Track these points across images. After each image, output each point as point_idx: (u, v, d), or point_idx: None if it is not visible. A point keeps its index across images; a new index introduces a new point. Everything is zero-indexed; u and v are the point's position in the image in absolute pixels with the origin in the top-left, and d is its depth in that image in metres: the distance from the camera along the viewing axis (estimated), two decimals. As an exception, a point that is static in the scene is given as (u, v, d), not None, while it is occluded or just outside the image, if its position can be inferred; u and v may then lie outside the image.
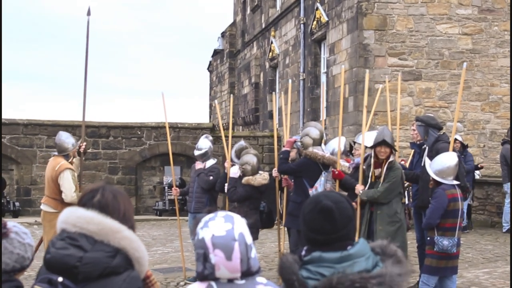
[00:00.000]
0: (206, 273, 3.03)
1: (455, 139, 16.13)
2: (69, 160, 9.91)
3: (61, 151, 9.95)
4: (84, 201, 3.37)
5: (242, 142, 11.79)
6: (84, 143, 10.28)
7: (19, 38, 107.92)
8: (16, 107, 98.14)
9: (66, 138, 10.03)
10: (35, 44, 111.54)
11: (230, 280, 3.03)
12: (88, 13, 10.08)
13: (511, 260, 10.23)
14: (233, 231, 3.02)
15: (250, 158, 10.30)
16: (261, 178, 10.25)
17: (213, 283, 3.03)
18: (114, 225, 3.28)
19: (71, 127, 23.08)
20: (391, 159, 8.35)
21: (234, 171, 10.59)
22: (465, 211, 15.73)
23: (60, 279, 3.13)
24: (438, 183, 7.78)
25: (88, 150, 23.08)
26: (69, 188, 9.54)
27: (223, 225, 3.04)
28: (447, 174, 7.74)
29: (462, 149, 15.85)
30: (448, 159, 7.85)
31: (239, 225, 3.06)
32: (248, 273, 3.04)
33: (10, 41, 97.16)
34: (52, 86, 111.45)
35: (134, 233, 3.37)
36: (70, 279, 3.14)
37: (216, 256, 2.99)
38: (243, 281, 3.04)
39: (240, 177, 10.41)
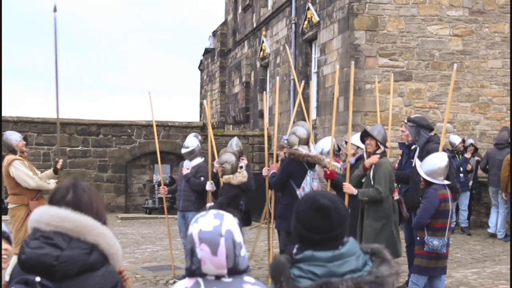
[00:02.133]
0: (193, 268, 3.06)
1: (471, 144, 16.34)
2: (17, 155, 9.99)
3: (8, 148, 10.08)
4: (57, 200, 3.34)
5: (235, 138, 11.78)
6: (61, 160, 10.46)
7: (17, 36, 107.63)
8: (15, 104, 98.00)
9: (9, 135, 10.25)
10: (33, 42, 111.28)
11: (218, 278, 3.05)
12: (55, 10, 10.11)
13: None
14: (221, 227, 3.04)
15: (229, 156, 10.30)
16: (241, 176, 10.26)
17: (200, 280, 3.06)
18: (89, 222, 3.27)
19: (61, 125, 23.09)
20: (378, 152, 8.37)
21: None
22: (466, 210, 15.64)
23: (37, 279, 3.11)
24: (429, 184, 7.79)
25: (78, 148, 23.14)
26: (24, 174, 9.70)
27: (212, 221, 3.07)
28: (438, 174, 7.75)
29: (475, 152, 16.16)
30: (439, 160, 7.87)
31: (228, 222, 3.08)
32: (235, 271, 3.06)
33: (8, 40, 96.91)
34: (49, 84, 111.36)
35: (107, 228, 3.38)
36: (48, 278, 3.13)
37: (202, 251, 3.01)
38: (230, 279, 3.06)
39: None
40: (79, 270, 3.18)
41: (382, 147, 8.42)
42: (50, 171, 10.41)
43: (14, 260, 4.27)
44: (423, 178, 7.82)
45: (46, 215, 3.27)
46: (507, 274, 10.93)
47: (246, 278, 3.11)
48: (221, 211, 3.17)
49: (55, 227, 3.23)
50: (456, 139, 16.03)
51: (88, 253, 3.21)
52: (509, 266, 11.60)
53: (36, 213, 3.32)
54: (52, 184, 9.79)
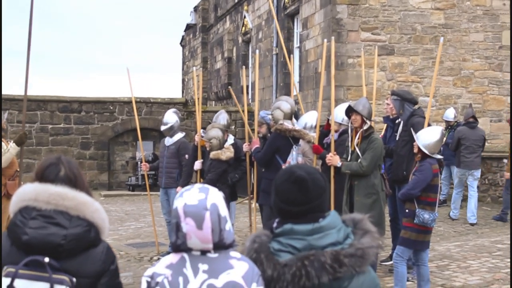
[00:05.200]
0: (178, 243, 3.04)
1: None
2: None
3: None
4: (51, 177, 3.31)
5: (223, 112, 11.62)
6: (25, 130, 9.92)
7: (6, 15, 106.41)
8: (13, 82, 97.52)
9: None
10: (21, 21, 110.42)
11: (203, 253, 3.04)
12: None
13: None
14: (206, 201, 3.02)
15: (216, 132, 10.25)
16: (229, 152, 10.25)
17: (185, 256, 3.04)
18: (87, 198, 3.29)
19: (42, 102, 22.97)
20: (365, 127, 8.28)
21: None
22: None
23: (46, 259, 3.11)
24: (424, 157, 7.74)
25: (60, 125, 23.01)
26: None
27: (197, 195, 3.04)
28: (434, 148, 7.73)
29: (456, 126, 15.48)
30: (435, 134, 7.82)
31: (213, 196, 3.06)
32: (220, 245, 3.04)
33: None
34: (38, 63, 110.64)
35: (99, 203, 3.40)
36: (52, 257, 3.13)
37: (187, 225, 2.99)
38: (216, 255, 3.04)
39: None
40: (83, 248, 3.20)
41: (368, 122, 8.33)
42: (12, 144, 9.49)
43: None
44: (420, 151, 7.75)
45: (44, 194, 3.23)
46: (490, 247, 11.02)
47: (232, 253, 3.09)
48: (206, 185, 3.14)
49: (56, 206, 3.22)
50: (451, 113, 15.68)
51: (88, 230, 3.24)
52: (495, 240, 11.70)
53: (28, 191, 3.27)
54: (12, 148, 9.17)
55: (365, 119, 8.25)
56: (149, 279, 3.05)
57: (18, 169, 9.50)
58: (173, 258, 3.07)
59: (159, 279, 3.03)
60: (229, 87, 17.33)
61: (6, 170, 9.28)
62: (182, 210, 3.01)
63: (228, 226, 3.08)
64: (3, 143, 9.27)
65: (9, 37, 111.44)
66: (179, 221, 3.02)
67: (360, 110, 8.25)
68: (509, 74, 18.34)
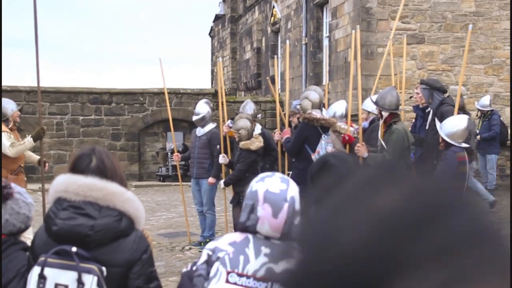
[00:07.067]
0: (248, 224, 3.09)
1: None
2: (10, 126, 9.59)
3: (2, 116, 9.47)
4: (82, 168, 3.35)
5: (249, 101, 11.66)
6: (45, 127, 9.81)
7: (23, 7, 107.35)
8: (26, 74, 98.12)
9: (6, 104, 9.73)
10: (44, 12, 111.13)
11: (267, 238, 3.10)
12: None
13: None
14: (287, 192, 3.08)
15: (244, 122, 10.26)
16: (258, 141, 10.25)
17: (250, 236, 3.10)
18: (117, 188, 3.32)
19: (73, 94, 23.14)
20: (371, 116, 8.29)
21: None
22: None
23: (74, 249, 3.16)
24: (448, 145, 7.70)
25: (91, 117, 23.17)
26: (4, 146, 8.97)
27: (279, 184, 3.10)
28: (457, 136, 7.66)
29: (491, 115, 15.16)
30: (459, 122, 7.76)
31: (293, 189, 3.12)
32: (286, 237, 3.08)
33: (16, 10, 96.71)
34: (56, 55, 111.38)
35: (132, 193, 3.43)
36: (82, 247, 3.18)
37: (263, 210, 3.06)
38: (279, 242, 3.10)
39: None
40: (112, 238, 3.24)
41: (374, 112, 8.38)
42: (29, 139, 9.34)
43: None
44: (443, 140, 7.72)
45: (73, 185, 3.27)
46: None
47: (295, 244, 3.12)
48: (286, 176, 3.21)
49: (84, 197, 3.25)
50: (486, 101, 15.44)
51: (118, 220, 3.27)
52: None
53: (60, 182, 3.32)
54: (28, 142, 9.16)
55: (374, 110, 8.28)
56: (210, 252, 3.10)
57: (22, 165, 9.47)
58: (237, 236, 3.14)
59: (220, 254, 3.09)
60: (267, 78, 17.32)
61: (9, 164, 9.15)
62: (263, 195, 3.07)
63: (298, 221, 3.12)
64: (10, 135, 9.22)
65: (45, 31, 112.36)
66: (256, 204, 3.07)
67: (378, 100, 8.28)
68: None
